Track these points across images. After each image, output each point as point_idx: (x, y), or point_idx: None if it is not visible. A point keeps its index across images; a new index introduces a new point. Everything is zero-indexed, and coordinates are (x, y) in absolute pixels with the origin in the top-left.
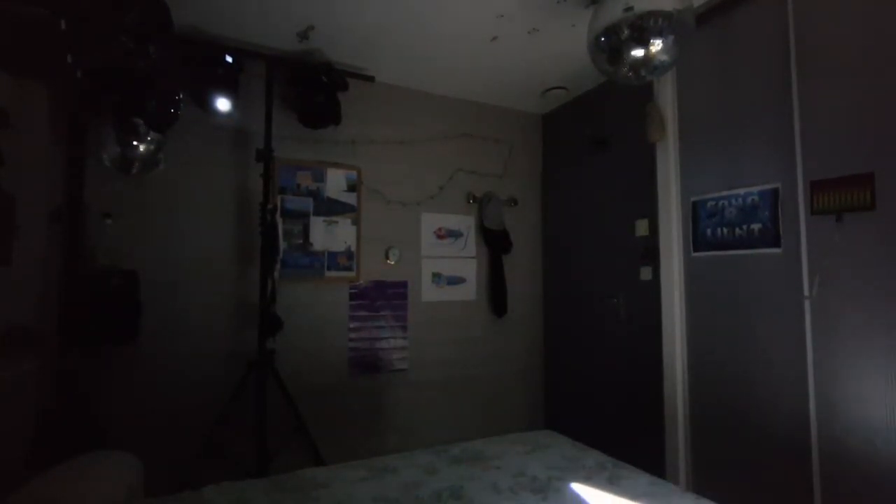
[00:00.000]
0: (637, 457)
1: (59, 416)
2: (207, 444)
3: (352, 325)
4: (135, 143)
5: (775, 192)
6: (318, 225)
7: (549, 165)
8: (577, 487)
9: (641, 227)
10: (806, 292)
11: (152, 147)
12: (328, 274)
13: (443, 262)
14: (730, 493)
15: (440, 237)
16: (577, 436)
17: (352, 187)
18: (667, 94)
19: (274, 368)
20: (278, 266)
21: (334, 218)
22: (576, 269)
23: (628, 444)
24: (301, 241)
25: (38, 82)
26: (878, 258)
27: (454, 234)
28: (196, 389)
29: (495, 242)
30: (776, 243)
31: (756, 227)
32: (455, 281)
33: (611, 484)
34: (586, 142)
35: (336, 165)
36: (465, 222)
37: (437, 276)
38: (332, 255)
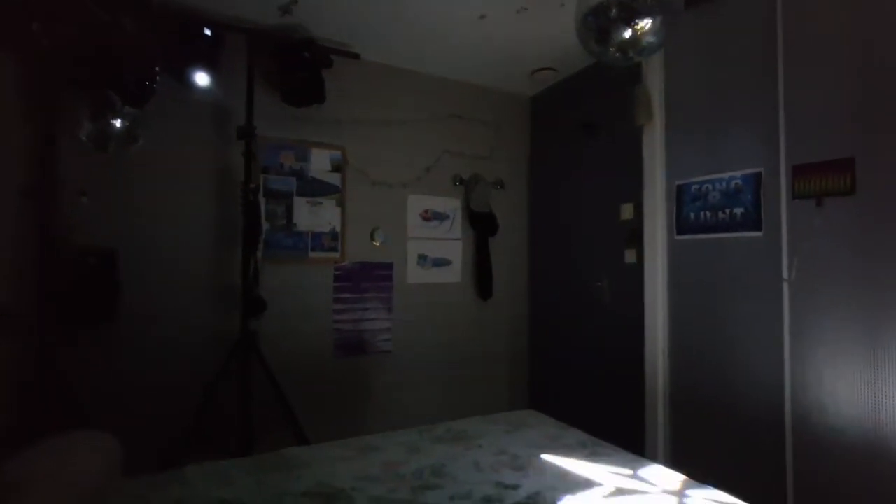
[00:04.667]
0: (618, 436)
1: (37, 397)
2: (191, 425)
3: (336, 307)
4: (110, 118)
5: (758, 175)
6: (301, 205)
7: (537, 148)
8: (554, 459)
9: (626, 211)
10: (785, 275)
11: (128, 122)
12: (312, 255)
13: (428, 243)
14: (706, 469)
15: (426, 219)
16: (560, 416)
17: (336, 168)
18: (655, 77)
19: (258, 350)
20: (261, 246)
21: (318, 199)
22: (561, 252)
23: (610, 423)
24: (284, 222)
25: (4, 54)
26: (856, 242)
27: (440, 217)
28: (178, 371)
29: (481, 225)
30: (757, 227)
31: (738, 210)
32: (441, 263)
33: (590, 461)
34: (574, 125)
35: (320, 145)
36: (452, 204)
37: (422, 258)
38: (317, 236)
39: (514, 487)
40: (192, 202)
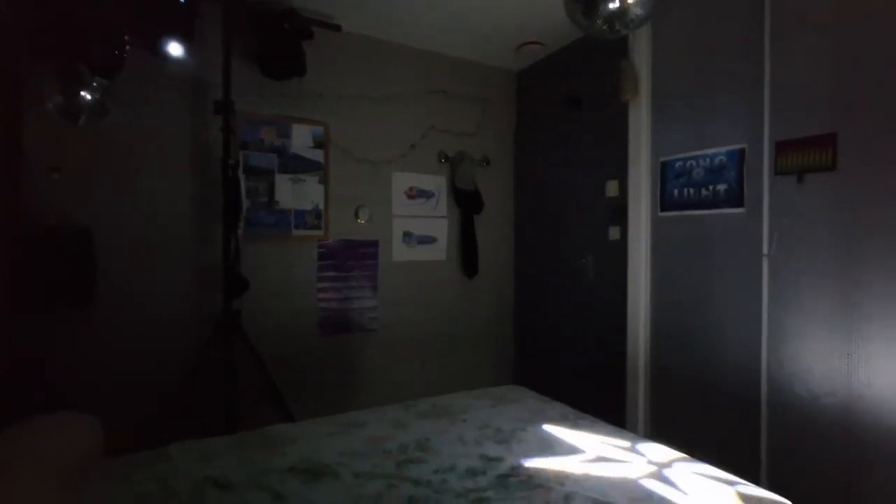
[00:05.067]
0: (600, 409)
1: (12, 381)
2: (174, 405)
3: (321, 285)
4: (79, 89)
5: (742, 152)
6: (283, 183)
7: (523, 125)
8: (536, 431)
9: (612, 188)
10: (765, 250)
11: (99, 95)
12: (295, 233)
13: (414, 221)
14: (683, 440)
15: (411, 197)
16: (544, 390)
17: (319, 144)
18: (641, 52)
19: (241, 329)
20: (242, 224)
21: (301, 176)
22: (546, 229)
23: (593, 397)
24: (266, 200)
25: None
26: (835, 218)
27: (425, 194)
28: (160, 352)
29: (467, 202)
30: (740, 203)
31: (722, 187)
32: (426, 241)
33: (572, 433)
34: (560, 101)
35: (302, 121)
36: (437, 182)
37: (408, 236)
38: (300, 214)
39: (498, 460)
40: (169, 179)
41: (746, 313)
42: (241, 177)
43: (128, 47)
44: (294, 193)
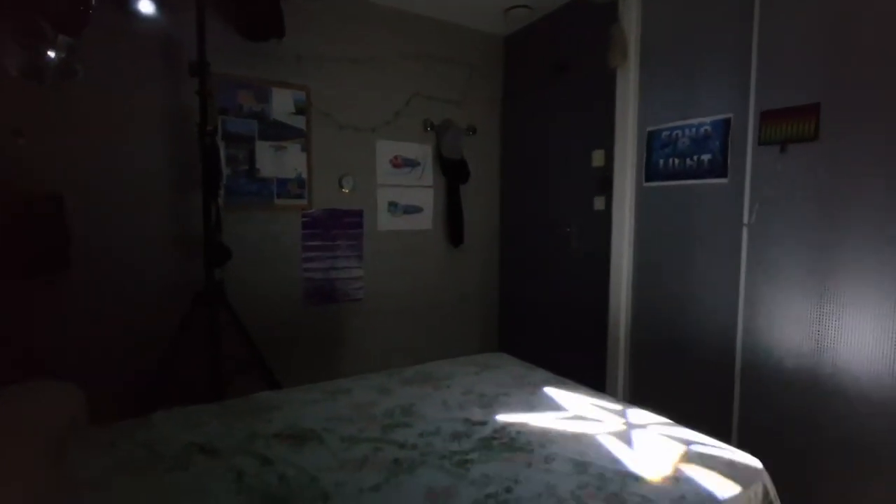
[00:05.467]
0: (582, 374)
1: None
2: (157, 375)
3: (305, 255)
4: (42, 47)
5: (728, 122)
6: (264, 150)
7: (510, 92)
8: (520, 396)
9: (597, 158)
10: (745, 220)
11: (64, 53)
12: (278, 202)
13: (399, 190)
14: (661, 403)
15: (396, 166)
16: (528, 357)
17: (300, 110)
18: (631, 17)
19: (225, 299)
20: (222, 193)
21: (282, 143)
22: (532, 198)
23: (575, 363)
24: (247, 168)
25: None
26: (814, 187)
27: (411, 163)
28: (141, 321)
29: (453, 172)
30: (723, 174)
31: (706, 157)
32: (412, 210)
33: (554, 397)
34: (548, 68)
35: (282, 85)
36: (423, 151)
37: (393, 206)
38: (282, 183)
39: (482, 423)
40: (143, 144)
41: (725, 282)
42: (220, 143)
43: (94, 2)
44: (275, 161)
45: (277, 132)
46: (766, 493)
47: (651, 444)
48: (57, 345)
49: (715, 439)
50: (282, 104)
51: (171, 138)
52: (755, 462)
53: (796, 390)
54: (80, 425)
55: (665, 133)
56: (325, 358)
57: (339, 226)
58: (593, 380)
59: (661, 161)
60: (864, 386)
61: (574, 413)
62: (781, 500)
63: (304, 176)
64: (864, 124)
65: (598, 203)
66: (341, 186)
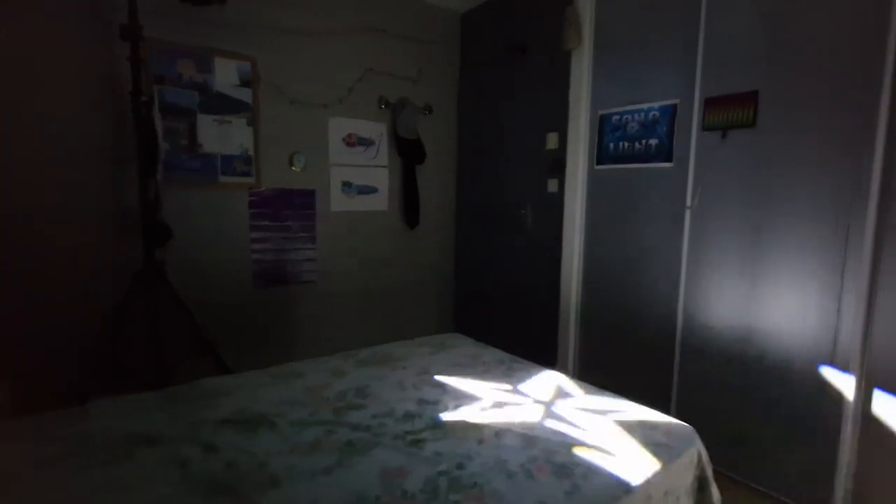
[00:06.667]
0: (535, 353)
1: None
2: (95, 362)
3: (254, 236)
4: None
5: (674, 107)
6: (207, 124)
7: (466, 71)
8: (473, 375)
9: (552, 141)
10: (688, 203)
11: None
12: (223, 179)
13: (353, 170)
14: (609, 379)
15: (350, 144)
16: (484, 338)
17: (246, 82)
18: (586, 0)
19: (166, 280)
20: (160, 168)
21: (227, 117)
22: (488, 180)
23: (529, 342)
24: (187, 142)
25: None
26: (750, 172)
27: (365, 142)
28: (75, 304)
29: (409, 152)
30: (669, 158)
31: (654, 142)
32: (366, 190)
33: (506, 375)
34: (505, 48)
35: (226, 54)
36: (378, 129)
37: (347, 185)
38: (227, 159)
39: (435, 403)
40: (73, 114)
41: (668, 262)
42: (157, 115)
43: None
44: (220, 136)
45: (221, 105)
46: (699, 458)
47: (596, 416)
48: None
49: (655, 410)
50: (226, 75)
51: (104, 108)
52: (689, 429)
53: (730, 362)
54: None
55: (616, 117)
56: (278, 342)
57: (291, 206)
58: (546, 356)
59: (612, 145)
60: (789, 355)
61: (525, 390)
62: (714, 462)
63: (252, 153)
64: (796, 114)
65: (552, 185)
66: (292, 165)
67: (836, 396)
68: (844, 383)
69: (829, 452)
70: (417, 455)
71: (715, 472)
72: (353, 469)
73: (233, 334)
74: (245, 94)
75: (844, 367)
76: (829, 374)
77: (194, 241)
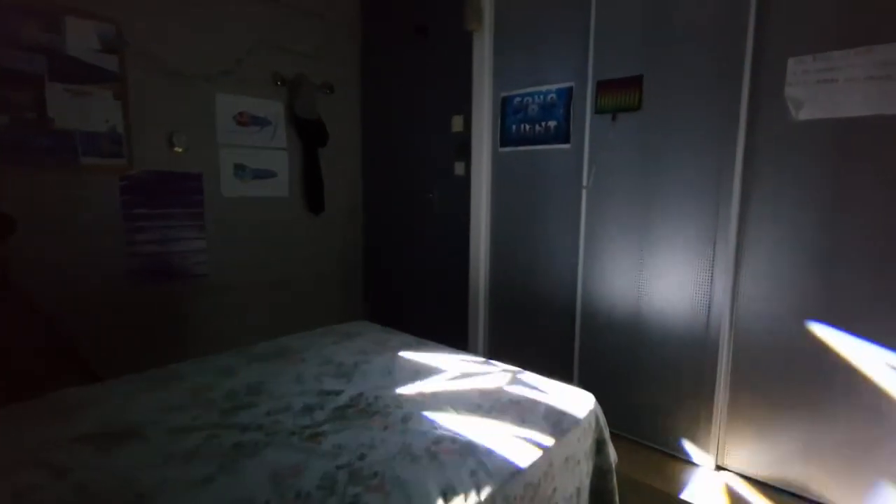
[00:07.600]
0: (447, 336)
1: None
2: None
3: (129, 225)
4: None
5: (570, 90)
6: (58, 94)
7: (370, 51)
8: (377, 361)
9: (457, 123)
10: (584, 183)
11: None
12: (85, 161)
13: (247, 152)
14: (516, 358)
15: (242, 123)
16: (395, 325)
17: (110, 48)
18: None
19: (9, 280)
20: None
21: (85, 87)
22: (395, 163)
23: (441, 326)
24: (35, 116)
25: None
26: (637, 154)
27: (260, 122)
28: None
29: (309, 133)
30: (566, 140)
31: (552, 124)
32: (263, 175)
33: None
34: (408, 28)
35: (79, 13)
36: (273, 108)
37: (240, 169)
38: (90, 137)
39: (337, 393)
40: None
41: (568, 240)
42: None
43: None
44: (77, 110)
45: (77, 73)
46: (597, 422)
47: (501, 392)
48: None
49: (558, 381)
50: (81, 38)
51: None
52: (589, 396)
53: (623, 332)
54: None
55: (517, 99)
56: (162, 343)
57: (173, 191)
58: (457, 339)
59: (514, 126)
60: (672, 322)
61: (431, 372)
62: (610, 425)
63: (121, 130)
64: (675, 96)
65: (459, 168)
66: (172, 145)
67: (711, 357)
68: (719, 344)
69: (707, 406)
70: (314, 451)
71: (612, 433)
72: (239, 474)
73: (106, 338)
74: (110, 62)
75: (717, 332)
76: (706, 336)
77: (50, 233)
